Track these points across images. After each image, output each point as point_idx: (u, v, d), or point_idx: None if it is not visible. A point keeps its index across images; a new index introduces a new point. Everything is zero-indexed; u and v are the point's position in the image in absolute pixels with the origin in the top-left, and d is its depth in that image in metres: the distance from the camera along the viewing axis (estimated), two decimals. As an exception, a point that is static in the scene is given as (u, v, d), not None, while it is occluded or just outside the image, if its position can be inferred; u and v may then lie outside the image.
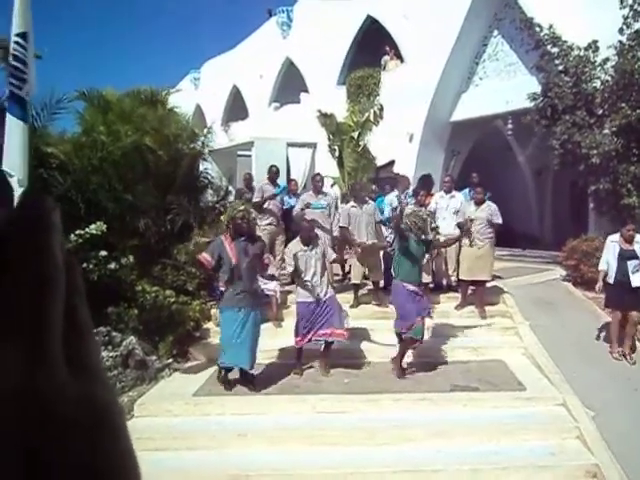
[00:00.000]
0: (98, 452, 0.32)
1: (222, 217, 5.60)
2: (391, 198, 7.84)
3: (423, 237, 5.64)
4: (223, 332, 5.33)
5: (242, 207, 5.21)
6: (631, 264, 5.90)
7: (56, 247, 0.33)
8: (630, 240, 6.02)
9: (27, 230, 0.32)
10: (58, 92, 6.78)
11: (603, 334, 6.41)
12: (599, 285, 6.26)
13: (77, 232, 6.07)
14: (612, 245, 6.17)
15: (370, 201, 7.56)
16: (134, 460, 0.34)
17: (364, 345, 6.33)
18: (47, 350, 0.31)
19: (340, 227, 7.32)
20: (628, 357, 5.91)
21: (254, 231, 5.47)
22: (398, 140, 12.55)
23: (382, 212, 7.60)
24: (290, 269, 5.61)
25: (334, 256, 5.96)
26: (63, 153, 6.92)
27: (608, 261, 6.14)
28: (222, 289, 5.45)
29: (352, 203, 7.43)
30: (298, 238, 5.77)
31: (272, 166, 8.36)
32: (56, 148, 6.88)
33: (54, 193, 6.06)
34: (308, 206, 7.33)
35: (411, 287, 5.61)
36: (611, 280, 6.07)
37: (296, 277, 5.65)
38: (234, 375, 5.44)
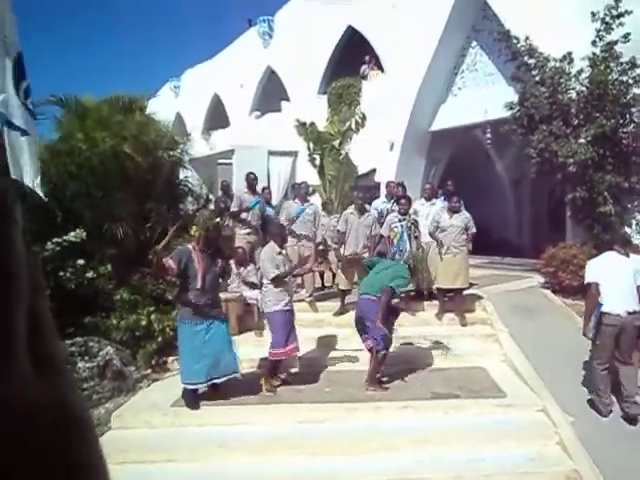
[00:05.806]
0: (72, 453, 0.31)
1: (194, 227, 5.53)
2: (377, 203, 7.93)
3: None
4: (183, 347, 5.07)
5: (217, 219, 5.19)
6: None
7: (18, 241, 0.31)
8: None
9: None
10: (35, 98, 6.67)
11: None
12: None
13: (54, 240, 5.96)
14: None
15: (370, 214, 7.53)
16: (103, 460, 0.33)
17: (345, 353, 6.31)
18: (12, 353, 0.29)
19: (338, 231, 7.37)
20: None
21: (221, 244, 5.43)
22: (379, 149, 12.64)
23: None
24: (272, 273, 5.38)
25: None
26: (39, 159, 6.79)
27: None
28: (191, 299, 5.09)
29: (352, 210, 7.46)
30: (272, 243, 5.67)
31: (249, 173, 8.22)
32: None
33: (29, 201, 5.94)
34: (294, 220, 7.30)
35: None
36: None
37: (277, 281, 5.43)
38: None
